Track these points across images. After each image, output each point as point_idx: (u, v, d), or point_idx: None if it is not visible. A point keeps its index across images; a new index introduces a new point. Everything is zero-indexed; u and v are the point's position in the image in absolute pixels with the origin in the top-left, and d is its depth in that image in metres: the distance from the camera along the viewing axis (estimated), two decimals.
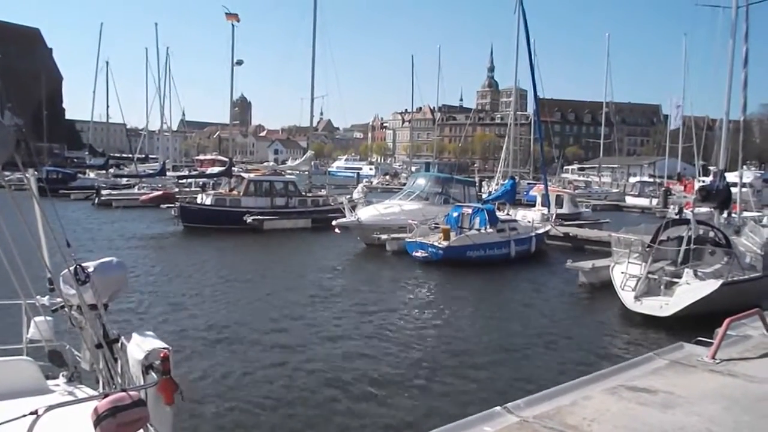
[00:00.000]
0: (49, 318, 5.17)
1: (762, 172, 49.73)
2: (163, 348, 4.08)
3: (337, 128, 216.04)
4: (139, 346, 4.17)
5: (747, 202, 29.88)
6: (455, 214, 23.87)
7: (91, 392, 4.44)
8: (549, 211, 29.41)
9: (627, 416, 5.69)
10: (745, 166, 40.28)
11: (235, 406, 9.00)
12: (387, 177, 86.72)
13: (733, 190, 21.90)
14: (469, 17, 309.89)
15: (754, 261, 16.43)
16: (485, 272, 20.91)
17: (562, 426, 5.46)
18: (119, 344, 4.35)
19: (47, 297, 5.02)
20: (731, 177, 22.90)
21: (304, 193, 35.43)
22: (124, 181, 51.95)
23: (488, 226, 22.97)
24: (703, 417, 5.71)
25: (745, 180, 32.92)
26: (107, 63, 61.03)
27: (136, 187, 46.87)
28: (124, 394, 3.32)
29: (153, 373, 3.98)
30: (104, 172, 57.72)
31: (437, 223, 23.58)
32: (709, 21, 21.38)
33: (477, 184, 39.37)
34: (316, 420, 8.69)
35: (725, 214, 19.82)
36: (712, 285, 14.33)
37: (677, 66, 62.46)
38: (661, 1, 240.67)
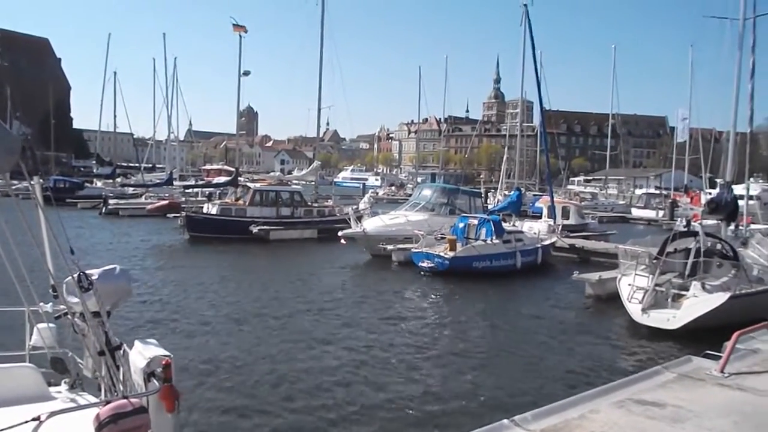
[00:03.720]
0: (51, 325, 5.15)
1: None
2: (165, 355, 4.05)
3: (344, 139, 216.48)
4: (141, 354, 4.15)
5: (754, 214, 29.79)
6: (461, 225, 23.83)
7: (93, 399, 4.41)
8: (555, 223, 29.31)
9: (635, 430, 5.61)
10: (752, 179, 40.20)
11: (235, 414, 8.95)
12: (393, 188, 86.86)
13: (740, 202, 21.82)
14: (476, 29, 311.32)
15: (762, 273, 16.33)
16: (491, 283, 20.83)
17: None
18: (121, 352, 4.33)
19: (50, 304, 5.01)
20: (738, 189, 22.84)
21: (310, 204, 35.42)
22: (131, 190, 52.20)
23: (494, 237, 22.92)
24: None
25: (752, 192, 32.88)
26: (115, 73, 61.67)
27: (143, 196, 47.03)
28: (125, 401, 3.33)
29: (155, 381, 3.95)
30: (111, 181, 58.07)
31: (443, 234, 23.52)
32: (716, 33, 21.35)
33: (483, 196, 39.29)
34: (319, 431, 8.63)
35: (732, 227, 19.74)
36: (720, 298, 14.23)
37: (684, 78, 62.38)
38: (668, 13, 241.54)
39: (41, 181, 4.90)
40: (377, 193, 69.20)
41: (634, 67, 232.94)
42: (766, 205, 40.56)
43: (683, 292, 15.11)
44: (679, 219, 32.75)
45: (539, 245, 24.79)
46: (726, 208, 19.13)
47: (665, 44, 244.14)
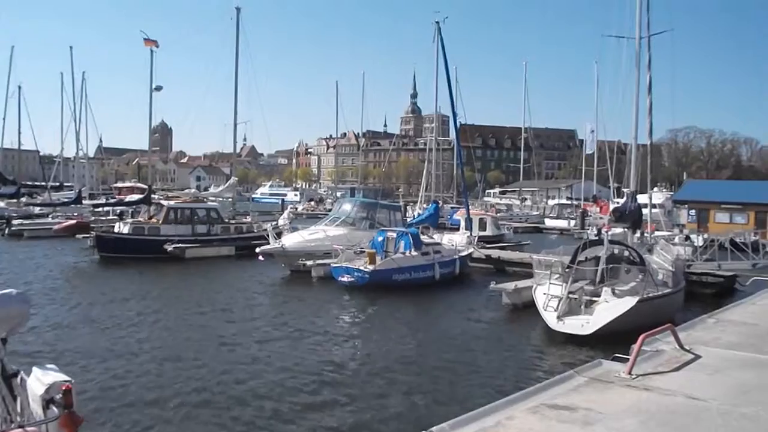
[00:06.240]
0: None
1: (672, 193, 52.09)
2: (65, 381, 3.84)
3: (261, 154, 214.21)
4: (39, 380, 3.91)
5: (658, 222, 31.30)
6: (380, 239, 23.94)
7: None
8: (471, 234, 29.86)
9: None
10: (656, 188, 42.18)
11: None
12: (312, 203, 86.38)
13: (645, 211, 22.85)
14: (392, 44, 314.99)
15: (666, 278, 17.14)
16: (411, 295, 21.00)
17: None
18: (18, 379, 4.08)
19: None
20: (642, 198, 23.93)
21: (227, 221, 34.74)
22: (37, 210, 49.68)
23: (413, 250, 23.15)
24: None
25: (656, 201, 34.56)
26: (19, 87, 58.89)
27: (50, 216, 44.88)
28: (21, 430, 3.15)
29: (54, 408, 3.74)
30: (15, 201, 55.18)
31: (363, 248, 23.56)
32: (615, 51, 22.34)
33: (402, 209, 39.64)
34: None
35: (638, 234, 20.65)
36: (629, 302, 14.84)
37: (591, 92, 65.29)
38: (574, 31, 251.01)
39: None
40: (296, 209, 68.78)
41: (545, 83, 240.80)
42: (669, 213, 42.72)
43: (595, 298, 15.69)
44: (590, 228, 34.14)
45: (457, 257, 25.18)
46: (631, 217, 20.02)
47: (573, 60, 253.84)
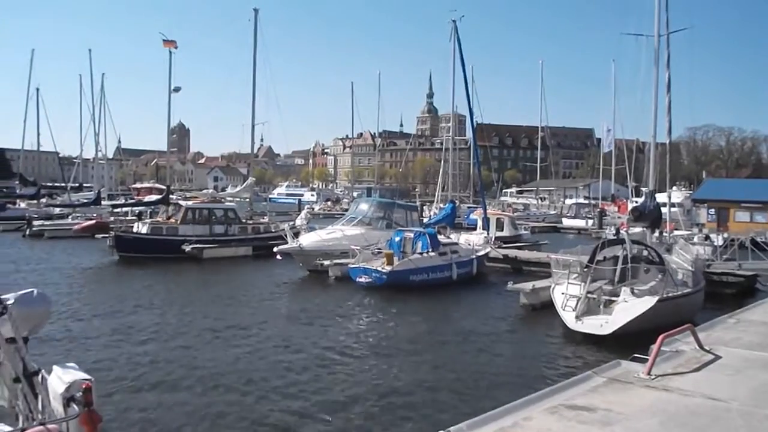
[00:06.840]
0: None
1: (691, 192, 51.58)
2: (86, 379, 3.88)
3: (278, 154, 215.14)
4: (60, 379, 3.96)
5: (677, 221, 31.01)
6: (397, 239, 23.90)
7: (9, 429, 4.19)
8: (488, 234, 29.77)
9: None
10: (675, 187, 41.76)
11: None
12: (329, 203, 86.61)
13: (664, 210, 22.66)
14: (408, 45, 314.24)
15: (686, 277, 16.97)
16: (428, 295, 20.96)
17: None
18: (39, 378, 4.13)
19: None
20: (661, 197, 23.73)
21: (244, 221, 34.93)
22: (57, 210, 50.34)
23: (430, 250, 23.10)
24: None
25: (675, 200, 34.25)
26: (38, 89, 59.56)
27: (70, 216, 45.43)
28: (42, 428, 3.18)
29: (75, 406, 3.78)
30: (36, 202, 55.91)
31: (380, 248, 23.56)
32: (634, 49, 22.19)
33: (419, 209, 39.60)
34: None
35: (657, 233, 20.48)
36: (648, 302, 14.71)
37: (608, 91, 64.94)
38: (591, 29, 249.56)
39: None
40: (313, 209, 68.98)
41: (562, 81, 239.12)
42: (688, 212, 42.33)
43: (614, 298, 15.57)
44: (608, 228, 33.90)
45: (474, 257, 25.09)
46: (650, 216, 19.86)
47: (590, 58, 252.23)
